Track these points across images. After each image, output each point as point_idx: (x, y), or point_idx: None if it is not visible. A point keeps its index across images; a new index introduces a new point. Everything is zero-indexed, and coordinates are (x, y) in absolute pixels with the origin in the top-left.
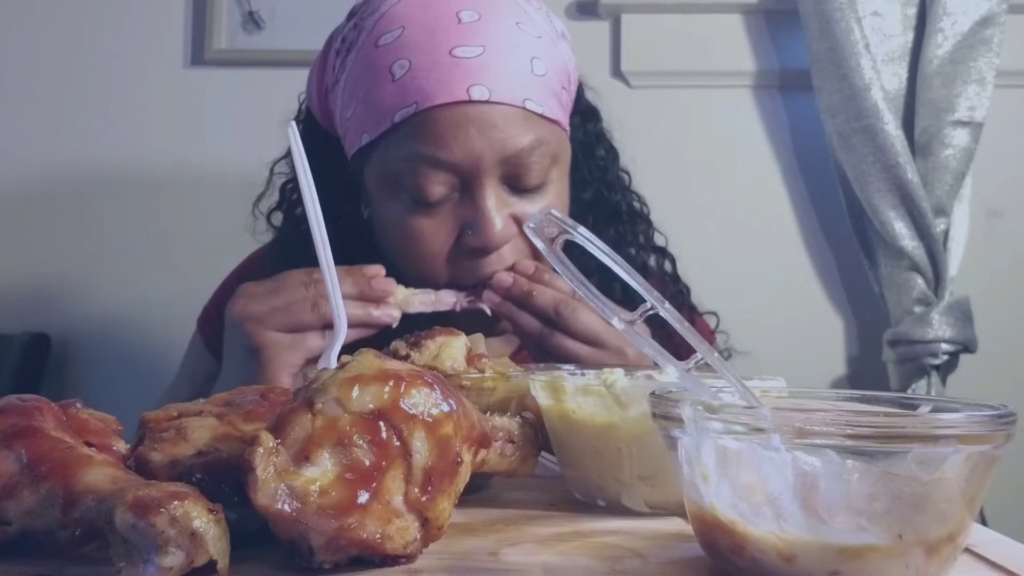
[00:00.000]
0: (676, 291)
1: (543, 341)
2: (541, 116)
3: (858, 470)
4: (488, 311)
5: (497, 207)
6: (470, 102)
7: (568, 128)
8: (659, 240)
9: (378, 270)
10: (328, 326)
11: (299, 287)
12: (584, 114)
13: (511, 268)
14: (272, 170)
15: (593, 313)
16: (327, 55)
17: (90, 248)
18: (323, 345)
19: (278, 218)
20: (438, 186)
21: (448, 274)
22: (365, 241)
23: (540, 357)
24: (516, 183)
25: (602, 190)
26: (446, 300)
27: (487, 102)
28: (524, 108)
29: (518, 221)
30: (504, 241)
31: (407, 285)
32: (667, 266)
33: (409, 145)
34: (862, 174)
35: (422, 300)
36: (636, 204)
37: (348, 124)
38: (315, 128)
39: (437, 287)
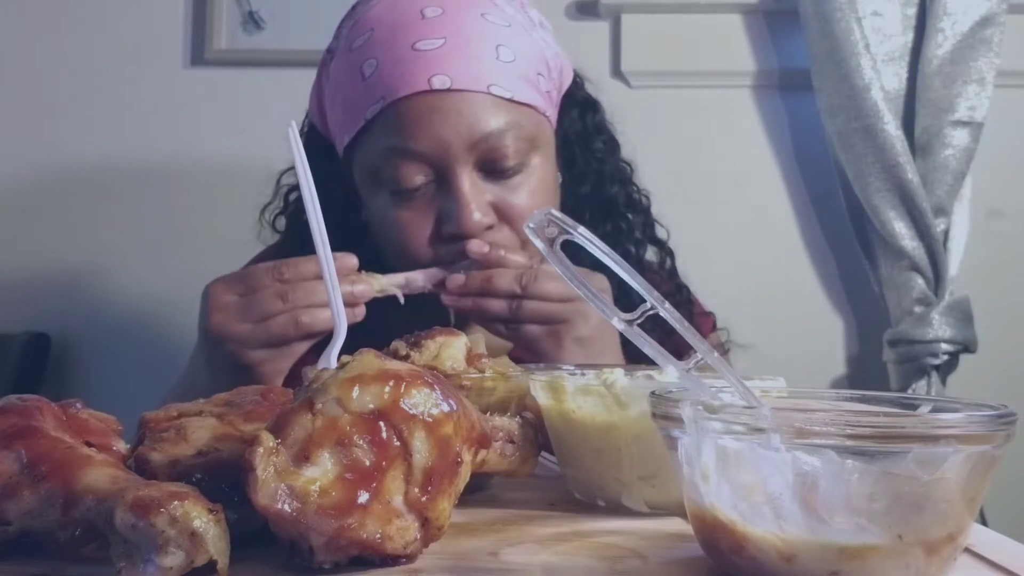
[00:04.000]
0: (673, 287)
1: (515, 315)
2: (510, 100)
3: (858, 470)
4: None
5: (472, 193)
6: (431, 91)
7: (549, 114)
8: (660, 234)
9: (350, 259)
10: (311, 335)
11: (274, 299)
12: (583, 106)
13: (463, 252)
14: (279, 180)
15: (555, 276)
16: (321, 68)
17: (90, 248)
18: (307, 347)
19: (282, 223)
20: (413, 176)
21: (431, 262)
22: (367, 247)
23: (515, 338)
24: (491, 167)
25: (600, 183)
26: (415, 282)
27: (448, 90)
28: (489, 93)
29: (498, 208)
30: (481, 228)
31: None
32: (667, 263)
33: (382, 140)
34: (862, 174)
35: (394, 282)
36: (636, 196)
37: (336, 128)
38: (318, 139)
39: None
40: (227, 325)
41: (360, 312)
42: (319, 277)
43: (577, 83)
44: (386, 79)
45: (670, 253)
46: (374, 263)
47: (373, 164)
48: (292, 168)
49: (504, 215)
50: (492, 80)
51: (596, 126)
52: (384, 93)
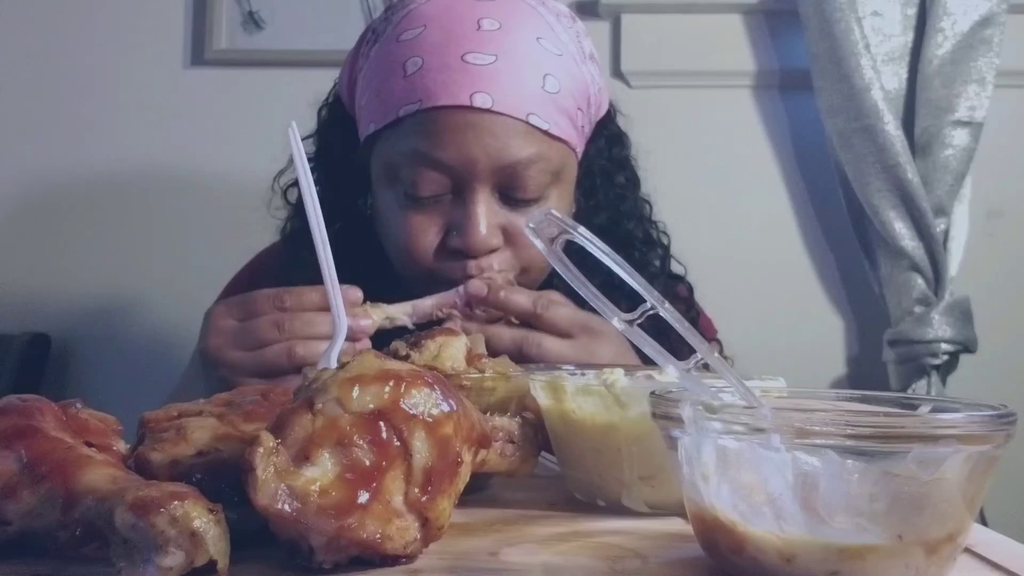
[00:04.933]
0: (689, 318)
1: (525, 347)
2: (545, 132)
3: (858, 470)
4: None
5: (486, 214)
6: (471, 108)
7: (578, 149)
8: (678, 270)
9: (354, 292)
10: (305, 367)
11: (271, 327)
12: (610, 139)
13: (463, 270)
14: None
15: (552, 332)
16: (360, 44)
17: (90, 248)
18: (299, 382)
19: (295, 194)
20: (431, 184)
21: (430, 271)
22: (367, 232)
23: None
24: (510, 194)
25: (617, 217)
26: (422, 307)
27: (488, 111)
28: (527, 122)
29: (507, 233)
30: (486, 248)
31: (396, 277)
32: (682, 291)
33: (409, 141)
34: (862, 174)
35: (401, 311)
36: (653, 233)
37: (362, 111)
38: (342, 113)
39: (419, 283)
40: (222, 350)
41: (363, 346)
42: (321, 308)
43: (610, 115)
44: (428, 83)
45: (688, 286)
46: (376, 252)
47: (394, 162)
48: (311, 137)
49: (511, 240)
50: (533, 109)
51: (620, 161)
52: (423, 96)
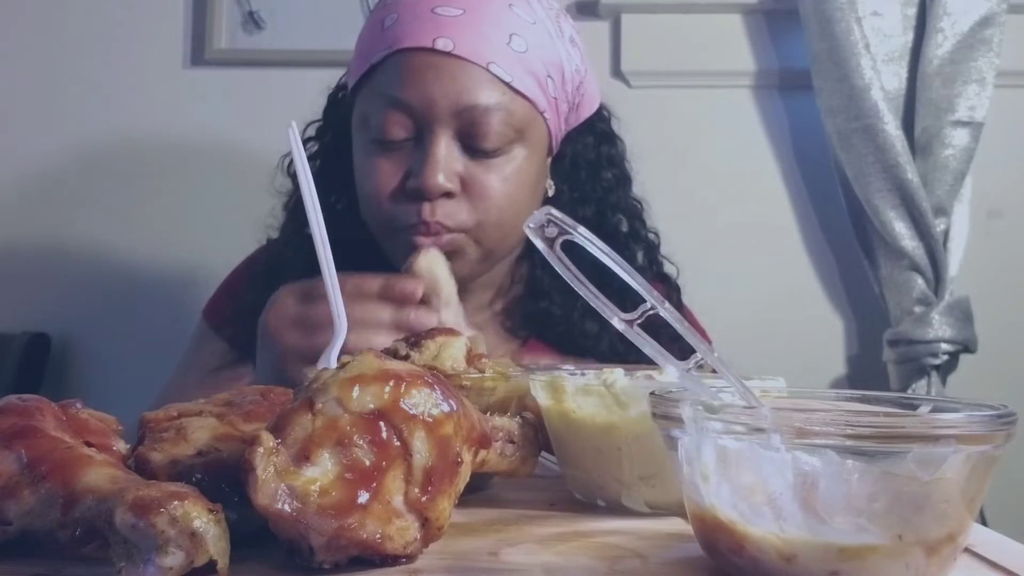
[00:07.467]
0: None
1: None
2: (507, 84)
3: (858, 470)
4: None
5: (444, 157)
6: (433, 50)
7: (549, 117)
8: (669, 271)
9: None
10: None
11: (327, 316)
12: (600, 136)
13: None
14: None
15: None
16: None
17: (91, 248)
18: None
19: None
20: (396, 127)
21: (389, 214)
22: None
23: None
24: (472, 143)
25: (602, 211)
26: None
27: (449, 53)
28: (487, 70)
29: (465, 181)
30: (440, 190)
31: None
32: (672, 297)
33: (378, 85)
34: (862, 174)
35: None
36: (642, 231)
37: (350, 75)
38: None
39: (381, 233)
40: (280, 332)
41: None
42: (380, 296)
43: (603, 116)
44: (397, 31)
45: (676, 289)
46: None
47: (366, 109)
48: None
49: (469, 190)
50: (494, 59)
51: (608, 158)
52: (392, 42)
